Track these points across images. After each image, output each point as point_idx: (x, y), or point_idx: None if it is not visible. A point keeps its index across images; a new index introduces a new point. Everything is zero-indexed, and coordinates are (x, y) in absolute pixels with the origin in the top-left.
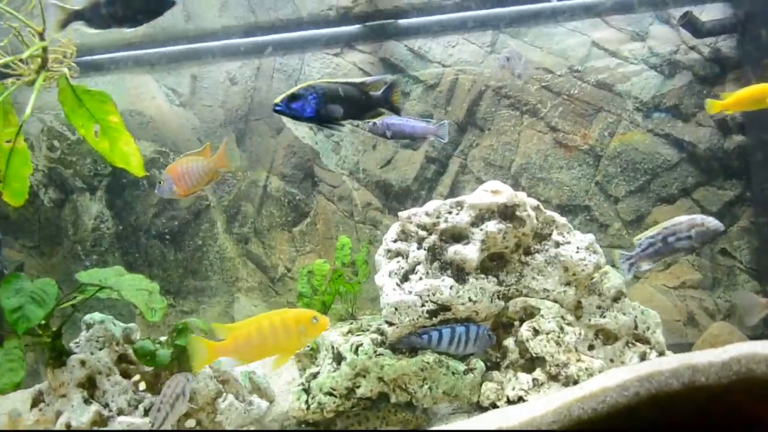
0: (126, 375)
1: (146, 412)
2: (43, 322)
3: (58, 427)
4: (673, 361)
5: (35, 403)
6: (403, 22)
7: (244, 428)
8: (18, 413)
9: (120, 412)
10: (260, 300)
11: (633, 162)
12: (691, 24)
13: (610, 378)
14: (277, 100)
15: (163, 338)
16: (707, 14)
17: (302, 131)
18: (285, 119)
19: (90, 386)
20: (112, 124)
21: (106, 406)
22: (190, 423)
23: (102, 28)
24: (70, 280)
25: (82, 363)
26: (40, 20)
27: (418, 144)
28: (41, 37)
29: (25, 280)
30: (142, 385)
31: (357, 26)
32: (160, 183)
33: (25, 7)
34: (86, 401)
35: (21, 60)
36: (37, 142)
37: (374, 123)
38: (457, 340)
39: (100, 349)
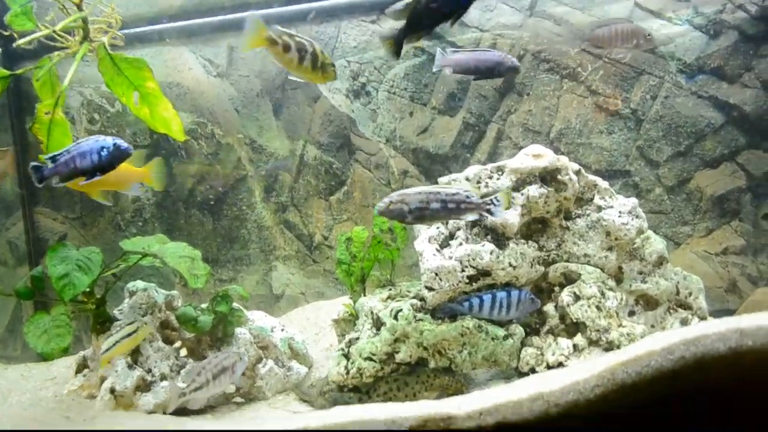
0: (168, 341)
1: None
2: (88, 289)
3: (102, 391)
4: (719, 324)
5: (80, 369)
6: None
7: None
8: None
9: (162, 377)
10: (297, 268)
11: (676, 125)
12: None
13: (656, 341)
14: None
15: (203, 305)
16: None
17: (339, 99)
18: (321, 88)
19: (134, 352)
20: (150, 90)
21: (149, 371)
22: (230, 387)
23: None
24: (111, 250)
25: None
26: None
27: (456, 111)
28: (79, 8)
29: (71, 248)
30: (183, 351)
31: None
32: None
33: None
34: (130, 366)
35: (66, 32)
36: (78, 115)
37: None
38: (499, 305)
39: (143, 316)
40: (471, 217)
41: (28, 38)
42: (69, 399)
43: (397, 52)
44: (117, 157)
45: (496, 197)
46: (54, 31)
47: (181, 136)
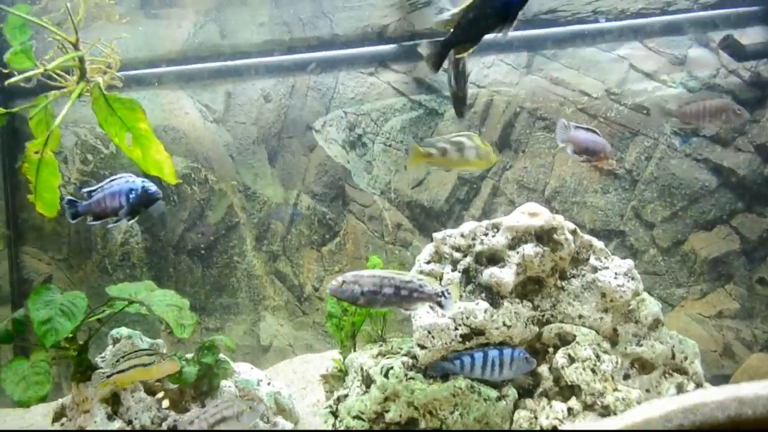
0: (150, 392)
1: (169, 431)
2: (71, 335)
3: None
4: (718, 392)
5: (57, 417)
6: None
7: None
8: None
9: (143, 429)
10: (286, 319)
11: (670, 187)
12: (731, 47)
13: (653, 409)
14: None
15: (189, 355)
16: (748, 38)
17: (334, 150)
18: (317, 137)
19: (114, 402)
20: (142, 131)
21: (129, 422)
22: None
23: None
24: (97, 294)
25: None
26: (73, 31)
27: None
28: (75, 47)
29: (55, 292)
30: (166, 403)
31: (392, 46)
32: None
33: (65, 19)
34: (109, 417)
35: (66, 71)
36: (71, 155)
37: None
38: (491, 364)
39: None
40: (422, 307)
41: (21, 77)
42: None
43: (437, 64)
44: (144, 200)
45: (447, 290)
46: (46, 70)
47: (173, 179)
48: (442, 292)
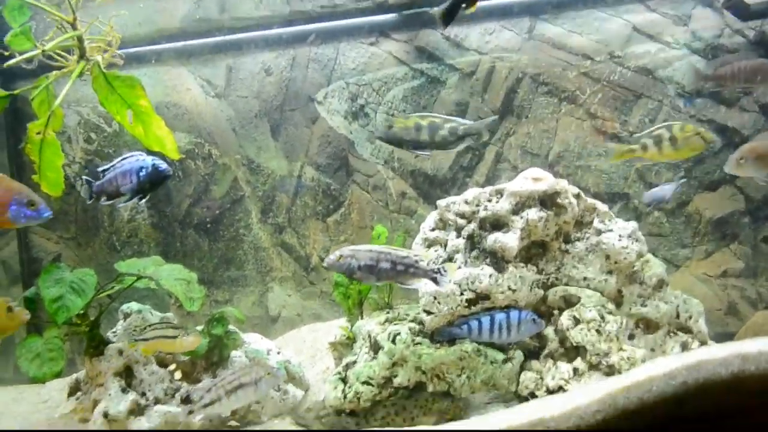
0: (163, 364)
1: (183, 401)
2: (82, 311)
3: (95, 415)
4: (722, 349)
5: (72, 392)
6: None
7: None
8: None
9: (157, 401)
10: (294, 290)
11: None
12: (735, 6)
13: (657, 367)
14: None
15: (198, 327)
16: None
17: (337, 121)
18: (320, 108)
19: (127, 375)
20: (143, 108)
21: (143, 394)
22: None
23: None
24: (105, 270)
25: (120, 352)
26: (70, 11)
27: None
28: (73, 26)
29: (65, 270)
30: (178, 375)
31: (392, 15)
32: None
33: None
34: (123, 390)
35: (66, 51)
36: (75, 134)
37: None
38: (498, 328)
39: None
40: (417, 282)
41: (20, 58)
42: (61, 423)
43: (448, 21)
44: (155, 178)
45: (443, 267)
46: (44, 51)
47: (176, 154)
48: (438, 269)
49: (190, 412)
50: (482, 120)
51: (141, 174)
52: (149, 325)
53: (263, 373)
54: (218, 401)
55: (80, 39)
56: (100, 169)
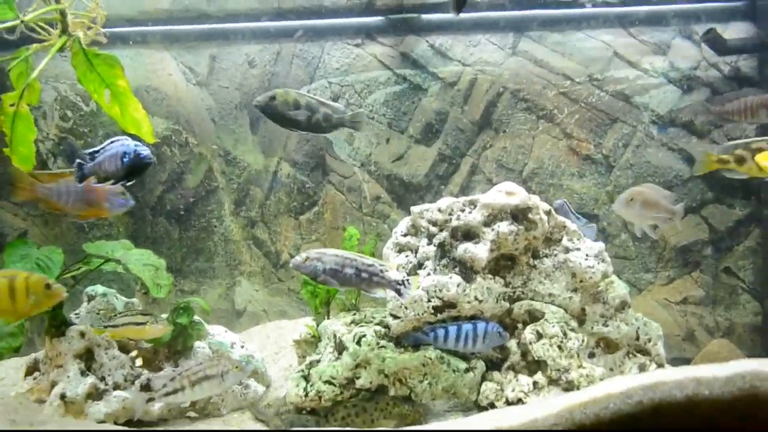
0: (124, 350)
1: (142, 388)
2: None
3: (52, 396)
4: (677, 372)
5: (30, 371)
6: (426, 17)
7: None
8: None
9: (116, 387)
10: (261, 285)
11: (645, 174)
12: (714, 41)
13: (615, 385)
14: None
15: (163, 316)
16: (730, 32)
17: None
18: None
19: (87, 358)
20: (120, 88)
21: (102, 379)
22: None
23: None
24: (72, 251)
25: (82, 334)
26: None
27: (432, 141)
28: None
29: (32, 246)
30: (139, 361)
31: (380, 18)
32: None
33: None
34: (83, 373)
35: (50, 25)
36: (50, 110)
37: None
38: (464, 337)
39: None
40: (380, 291)
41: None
42: (16, 402)
43: (460, 6)
44: (137, 164)
45: (407, 280)
46: (23, 21)
47: (151, 138)
48: (403, 281)
49: (150, 399)
50: (354, 112)
51: (124, 159)
52: (119, 313)
53: (230, 366)
54: (181, 391)
55: (63, 13)
56: (88, 151)
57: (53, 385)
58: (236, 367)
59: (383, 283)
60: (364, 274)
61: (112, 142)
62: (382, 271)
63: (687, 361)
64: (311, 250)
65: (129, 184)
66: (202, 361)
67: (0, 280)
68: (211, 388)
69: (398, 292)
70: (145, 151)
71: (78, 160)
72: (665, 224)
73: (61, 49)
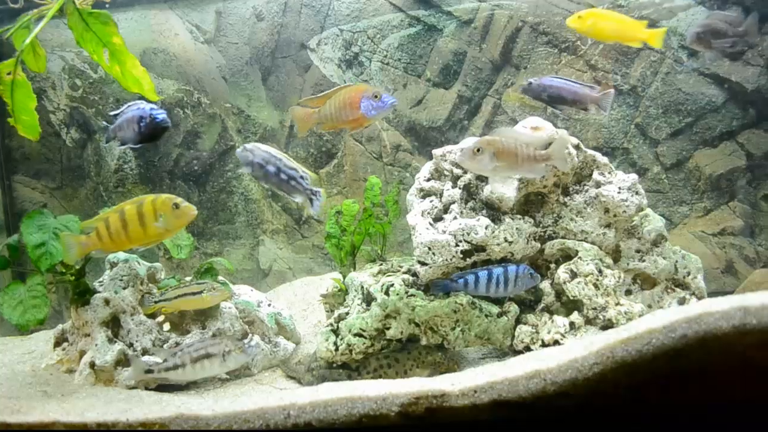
0: (151, 315)
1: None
2: None
3: (81, 366)
4: (723, 302)
5: (58, 342)
6: None
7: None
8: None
9: (144, 352)
10: (285, 243)
11: (676, 103)
12: None
13: (657, 319)
14: None
15: (188, 278)
16: None
17: (330, 69)
18: (312, 56)
19: (114, 325)
20: (117, 46)
21: (130, 345)
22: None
23: None
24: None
25: (106, 302)
26: None
27: (451, 83)
28: None
29: (48, 216)
30: (167, 326)
31: None
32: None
33: None
34: (110, 340)
35: None
36: (59, 80)
37: (530, 82)
38: (495, 282)
39: (125, 288)
40: (297, 197)
41: None
42: (47, 373)
43: None
44: (154, 129)
45: (318, 191)
46: None
47: (154, 95)
48: (315, 192)
49: (149, 371)
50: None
51: (141, 123)
52: (171, 287)
53: (232, 347)
54: (181, 367)
55: None
56: (113, 113)
57: (82, 354)
58: (239, 349)
59: (299, 189)
60: (283, 175)
61: (129, 106)
62: (302, 177)
63: (729, 294)
64: (251, 143)
65: (141, 146)
66: (205, 339)
67: (128, 207)
68: (213, 368)
69: (310, 201)
70: (161, 115)
71: (104, 123)
72: (532, 174)
73: (60, 13)
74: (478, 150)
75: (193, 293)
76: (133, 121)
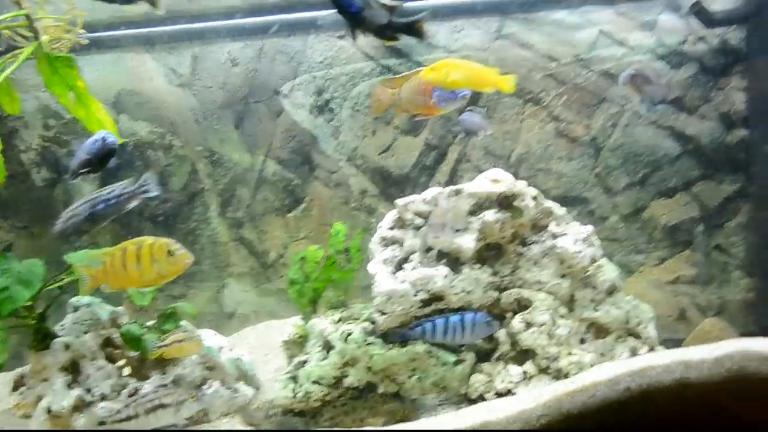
0: (111, 360)
1: (129, 396)
2: (29, 303)
3: (38, 411)
4: (665, 356)
5: (16, 386)
6: (408, 5)
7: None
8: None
9: (103, 398)
10: (251, 286)
11: (634, 154)
12: (701, 13)
13: (602, 372)
14: None
15: (150, 323)
16: (718, 4)
17: (302, 115)
18: (284, 102)
19: (73, 370)
20: (80, 89)
21: (88, 390)
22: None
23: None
24: (59, 261)
25: (66, 346)
26: None
27: (419, 131)
28: (18, 5)
29: (13, 260)
30: (127, 371)
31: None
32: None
33: None
34: (68, 385)
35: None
36: (32, 120)
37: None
38: (452, 330)
39: (86, 333)
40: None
41: None
42: (2, 418)
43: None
44: (104, 152)
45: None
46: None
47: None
48: (143, 185)
49: (102, 423)
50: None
51: (93, 147)
52: (169, 334)
53: (186, 396)
54: (135, 418)
55: (29, 17)
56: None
57: (39, 399)
58: (192, 397)
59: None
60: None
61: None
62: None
63: (680, 341)
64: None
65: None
66: (158, 389)
67: (129, 247)
68: (167, 418)
69: (146, 191)
70: (110, 137)
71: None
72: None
73: (32, 56)
74: None
75: (179, 341)
76: (87, 145)
